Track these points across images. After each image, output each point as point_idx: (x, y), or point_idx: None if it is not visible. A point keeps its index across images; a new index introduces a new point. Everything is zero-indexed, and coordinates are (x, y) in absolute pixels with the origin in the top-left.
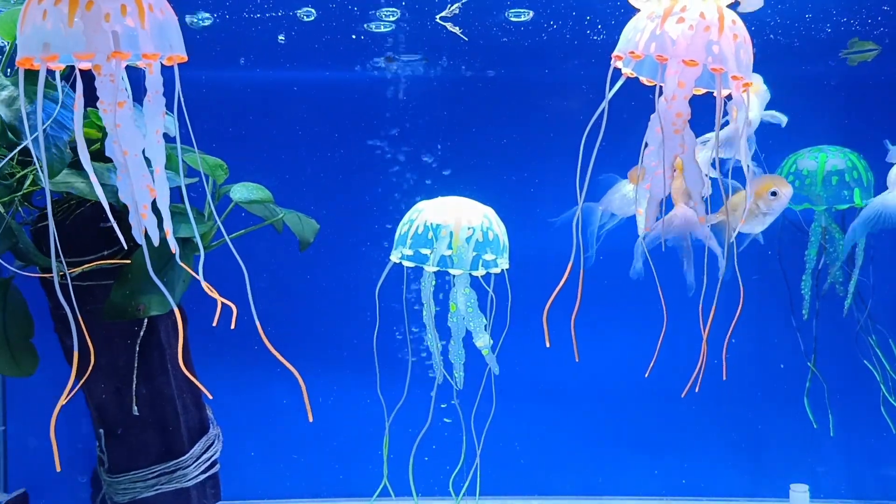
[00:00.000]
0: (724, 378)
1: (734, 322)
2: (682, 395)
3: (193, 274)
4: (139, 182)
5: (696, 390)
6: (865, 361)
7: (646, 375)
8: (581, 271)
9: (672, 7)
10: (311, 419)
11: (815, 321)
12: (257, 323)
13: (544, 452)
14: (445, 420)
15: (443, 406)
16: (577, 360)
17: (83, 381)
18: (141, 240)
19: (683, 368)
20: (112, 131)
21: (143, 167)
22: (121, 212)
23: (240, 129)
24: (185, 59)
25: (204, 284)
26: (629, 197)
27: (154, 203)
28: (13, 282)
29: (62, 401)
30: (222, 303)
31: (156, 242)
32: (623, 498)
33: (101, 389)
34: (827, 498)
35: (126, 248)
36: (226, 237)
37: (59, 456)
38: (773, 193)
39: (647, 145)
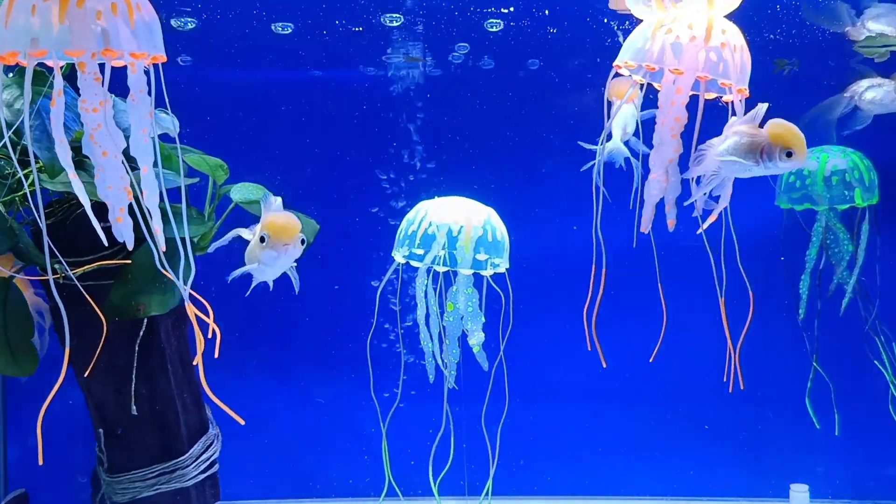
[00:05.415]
0: (738, 388)
1: (744, 331)
2: (730, 391)
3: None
4: (117, 184)
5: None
6: (876, 361)
7: (650, 360)
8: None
9: (665, 18)
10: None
11: (817, 321)
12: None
13: (545, 452)
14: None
15: (412, 392)
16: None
17: (67, 366)
18: (121, 240)
19: (683, 368)
20: (94, 130)
21: (120, 169)
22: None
23: (240, 130)
24: (165, 59)
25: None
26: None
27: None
28: (13, 282)
29: (51, 395)
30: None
31: (149, 243)
32: (623, 498)
33: (100, 389)
34: (827, 498)
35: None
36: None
37: (60, 456)
38: (789, 154)
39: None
